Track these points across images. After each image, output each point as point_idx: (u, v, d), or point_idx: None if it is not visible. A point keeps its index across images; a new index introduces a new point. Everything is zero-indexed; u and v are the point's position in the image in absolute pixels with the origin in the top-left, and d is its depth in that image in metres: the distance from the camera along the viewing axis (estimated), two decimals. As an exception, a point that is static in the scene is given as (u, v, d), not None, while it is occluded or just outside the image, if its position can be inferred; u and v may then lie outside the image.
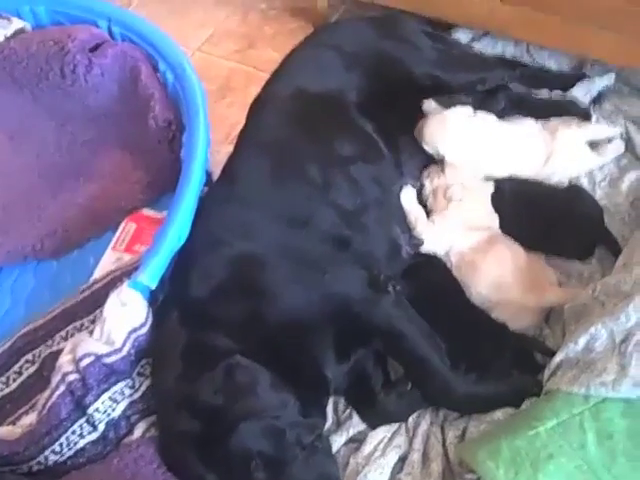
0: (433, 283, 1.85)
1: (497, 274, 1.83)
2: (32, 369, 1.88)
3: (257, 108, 2.02)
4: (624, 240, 1.86)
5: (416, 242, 1.91)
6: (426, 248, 1.90)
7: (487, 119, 2.07)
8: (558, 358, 1.61)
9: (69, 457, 1.60)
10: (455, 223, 1.91)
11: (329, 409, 1.74)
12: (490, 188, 1.98)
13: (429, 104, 2.08)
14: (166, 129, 2.12)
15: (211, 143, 1.99)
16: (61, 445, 1.58)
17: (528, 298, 1.79)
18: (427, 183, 2.00)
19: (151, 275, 1.71)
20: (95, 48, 2.23)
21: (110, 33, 2.29)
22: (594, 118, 2.14)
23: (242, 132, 2.00)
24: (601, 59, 2.17)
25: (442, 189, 1.95)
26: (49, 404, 1.60)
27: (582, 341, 1.58)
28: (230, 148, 2.00)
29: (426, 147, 2.01)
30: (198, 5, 2.87)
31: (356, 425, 1.73)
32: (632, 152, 2.08)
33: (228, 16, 2.81)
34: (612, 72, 2.20)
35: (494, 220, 1.94)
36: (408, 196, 1.95)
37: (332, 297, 1.68)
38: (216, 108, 2.44)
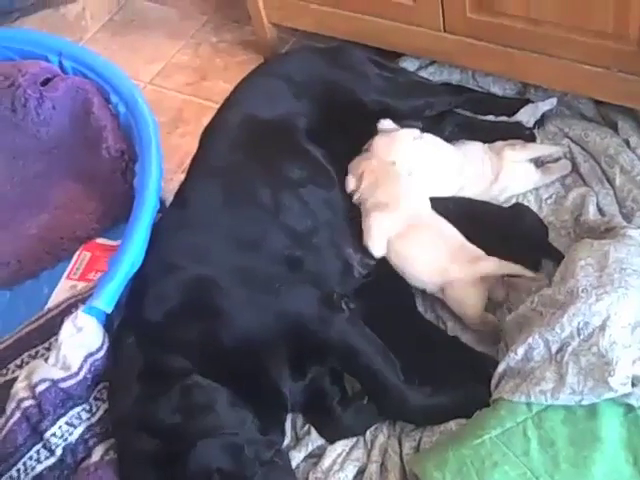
0: (385, 300, 1.89)
1: (424, 257, 1.88)
2: (-14, 398, 1.86)
3: (208, 135, 2.06)
4: (571, 254, 1.91)
5: (368, 262, 1.94)
6: (375, 255, 1.92)
7: (434, 141, 2.12)
8: (501, 368, 1.65)
9: (26, 483, 1.59)
10: (376, 212, 1.93)
11: (288, 425, 1.76)
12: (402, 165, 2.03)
13: (384, 123, 2.12)
14: (119, 159, 2.14)
15: (164, 172, 2.01)
16: (18, 471, 1.57)
17: (466, 271, 1.84)
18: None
19: (106, 300, 1.72)
20: (46, 82, 2.25)
21: (61, 67, 2.31)
22: (538, 140, 2.21)
23: (193, 159, 2.03)
24: (542, 84, 2.25)
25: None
26: (4, 431, 1.59)
27: (521, 351, 1.62)
28: (183, 177, 2.03)
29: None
30: (149, 40, 2.90)
31: (315, 440, 1.74)
32: (576, 171, 2.14)
33: (179, 50, 2.85)
34: (554, 96, 2.27)
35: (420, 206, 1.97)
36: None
37: (286, 316, 1.70)
38: (169, 139, 2.47)
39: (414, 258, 1.89)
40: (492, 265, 1.85)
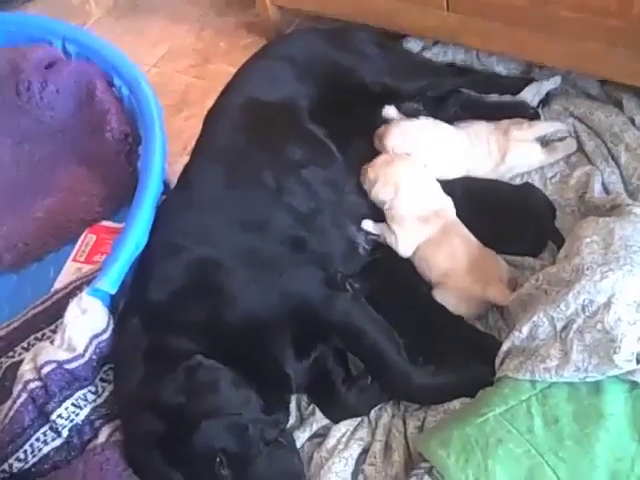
0: (389, 279, 1.89)
1: (449, 267, 1.87)
2: (-6, 381, 1.88)
3: (211, 118, 2.06)
4: (574, 232, 1.91)
5: (373, 237, 1.95)
6: (402, 255, 1.93)
7: (444, 128, 2.11)
8: (505, 346, 1.65)
9: (34, 464, 1.59)
10: (410, 223, 1.93)
11: (292, 406, 1.77)
12: (433, 171, 2.02)
13: (389, 110, 2.12)
14: (123, 142, 2.16)
15: (169, 154, 2.03)
16: (25, 452, 1.59)
17: (474, 287, 1.83)
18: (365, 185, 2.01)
19: (111, 281, 1.73)
20: (50, 66, 2.26)
21: (65, 51, 2.32)
22: (542, 118, 2.20)
23: (197, 141, 2.04)
24: (546, 63, 2.24)
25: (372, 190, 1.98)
26: (11, 413, 1.61)
27: (526, 329, 1.63)
28: (187, 159, 2.03)
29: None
30: (153, 23, 2.91)
31: (319, 420, 1.76)
32: (580, 149, 2.14)
33: (183, 33, 2.86)
34: (559, 75, 2.26)
35: (445, 204, 1.96)
36: (368, 225, 1.98)
37: (290, 297, 1.71)
38: (173, 122, 2.48)
39: (429, 259, 1.89)
40: (497, 295, 1.83)
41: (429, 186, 1.98)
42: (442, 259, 1.87)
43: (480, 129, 2.13)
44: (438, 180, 2.01)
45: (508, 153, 2.08)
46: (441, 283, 1.86)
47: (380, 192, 1.95)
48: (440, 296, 1.85)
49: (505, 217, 1.96)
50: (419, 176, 1.98)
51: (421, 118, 2.11)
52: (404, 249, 1.93)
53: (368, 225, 1.97)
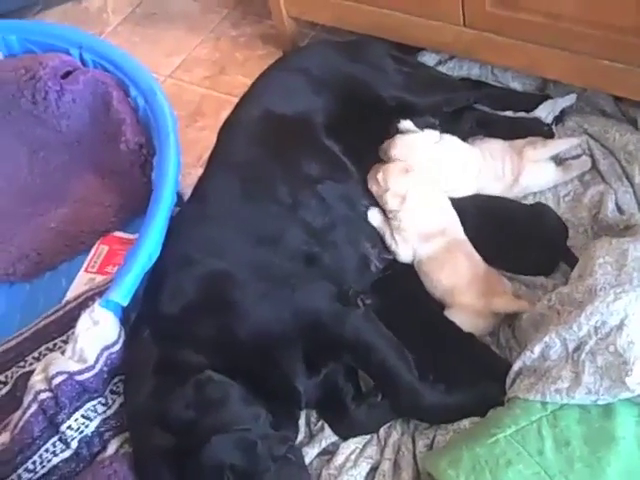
0: (401, 296, 1.88)
1: (453, 284, 1.87)
2: (4, 390, 1.87)
3: (227, 130, 2.06)
4: (587, 252, 1.90)
5: (385, 256, 1.94)
6: (401, 260, 1.94)
7: (454, 142, 2.11)
8: (517, 366, 1.64)
9: (42, 475, 1.60)
10: (411, 237, 1.93)
11: (301, 422, 1.76)
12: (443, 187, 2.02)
13: (405, 124, 2.11)
14: (137, 152, 2.16)
15: (182, 166, 2.02)
16: (34, 463, 1.59)
17: (479, 302, 1.83)
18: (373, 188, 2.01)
19: (123, 293, 1.73)
20: (67, 75, 2.27)
21: (82, 60, 2.33)
22: (557, 136, 2.19)
23: (212, 153, 2.04)
24: (561, 80, 2.23)
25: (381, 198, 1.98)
26: (21, 423, 1.61)
27: (537, 350, 1.62)
28: (201, 170, 2.03)
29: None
30: (169, 33, 2.91)
31: (328, 437, 1.75)
32: (594, 168, 2.12)
33: (199, 43, 2.86)
34: (574, 92, 2.25)
35: (452, 222, 1.96)
36: (375, 217, 1.98)
37: (302, 312, 1.71)
38: (188, 132, 2.48)
39: (432, 277, 1.89)
40: (503, 304, 1.83)
41: (437, 204, 1.97)
42: (445, 277, 1.87)
43: (495, 148, 2.12)
44: (448, 197, 2.01)
45: (522, 174, 2.06)
46: (448, 301, 1.86)
47: (388, 201, 1.95)
48: (450, 316, 1.84)
49: (516, 236, 1.95)
50: (428, 193, 1.97)
51: (426, 131, 2.09)
52: (403, 257, 1.93)
53: (374, 216, 1.97)
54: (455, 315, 1.84)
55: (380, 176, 1.97)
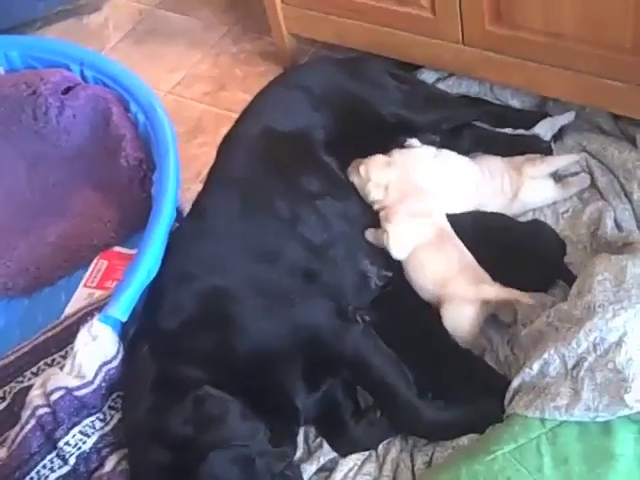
0: (400, 312, 1.88)
1: (443, 274, 1.87)
2: (2, 406, 1.86)
3: (226, 146, 2.06)
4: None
5: (385, 273, 1.94)
6: (395, 257, 1.92)
7: (452, 158, 2.12)
8: (516, 383, 1.64)
9: (40, 491, 1.60)
10: (402, 218, 1.93)
11: (300, 438, 1.76)
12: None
13: (411, 142, 2.11)
14: (137, 168, 2.16)
15: (182, 181, 2.03)
16: (32, 479, 1.58)
17: (470, 291, 1.82)
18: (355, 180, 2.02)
19: (122, 308, 1.73)
20: (67, 91, 2.28)
21: (82, 76, 2.34)
22: (555, 153, 2.20)
23: (211, 169, 2.04)
24: (560, 98, 2.24)
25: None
26: (19, 438, 1.61)
27: (536, 366, 1.62)
28: (201, 186, 2.04)
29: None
30: (170, 49, 2.92)
31: (327, 454, 1.74)
32: (593, 185, 2.13)
33: (199, 60, 2.86)
34: (573, 110, 2.26)
35: (438, 210, 1.98)
36: (370, 232, 1.98)
37: (301, 328, 1.71)
38: (187, 148, 2.49)
39: (425, 264, 1.89)
40: (492, 291, 1.83)
41: (418, 185, 1.99)
42: (436, 267, 1.88)
43: (494, 165, 2.12)
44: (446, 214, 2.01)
45: (521, 191, 2.07)
46: (439, 294, 1.86)
47: (371, 191, 1.96)
48: (443, 312, 1.84)
49: (514, 253, 1.94)
50: (409, 177, 2.00)
51: (424, 146, 2.11)
52: (397, 248, 1.91)
53: (370, 231, 1.97)
54: (447, 310, 1.83)
55: (362, 168, 1.98)
